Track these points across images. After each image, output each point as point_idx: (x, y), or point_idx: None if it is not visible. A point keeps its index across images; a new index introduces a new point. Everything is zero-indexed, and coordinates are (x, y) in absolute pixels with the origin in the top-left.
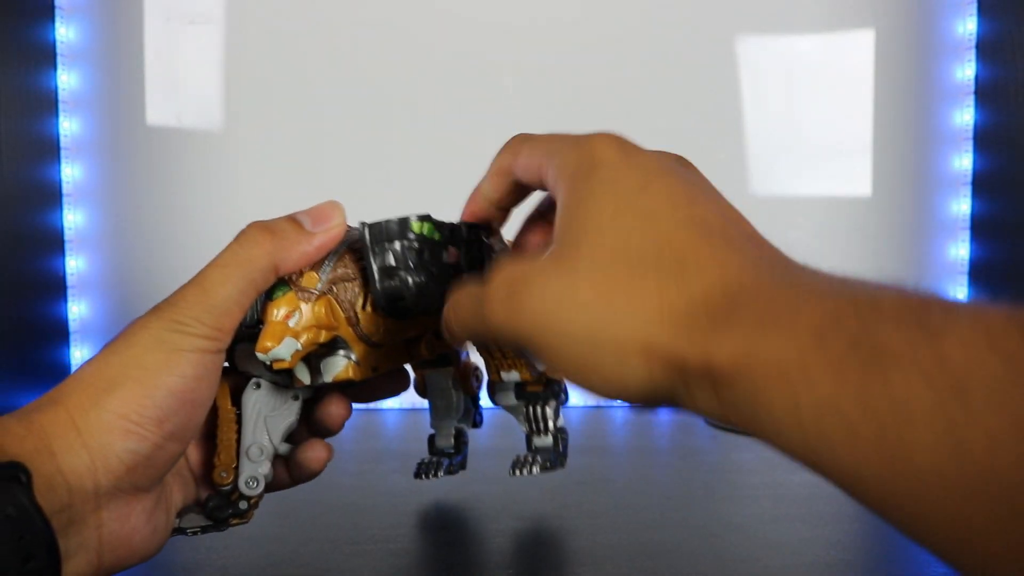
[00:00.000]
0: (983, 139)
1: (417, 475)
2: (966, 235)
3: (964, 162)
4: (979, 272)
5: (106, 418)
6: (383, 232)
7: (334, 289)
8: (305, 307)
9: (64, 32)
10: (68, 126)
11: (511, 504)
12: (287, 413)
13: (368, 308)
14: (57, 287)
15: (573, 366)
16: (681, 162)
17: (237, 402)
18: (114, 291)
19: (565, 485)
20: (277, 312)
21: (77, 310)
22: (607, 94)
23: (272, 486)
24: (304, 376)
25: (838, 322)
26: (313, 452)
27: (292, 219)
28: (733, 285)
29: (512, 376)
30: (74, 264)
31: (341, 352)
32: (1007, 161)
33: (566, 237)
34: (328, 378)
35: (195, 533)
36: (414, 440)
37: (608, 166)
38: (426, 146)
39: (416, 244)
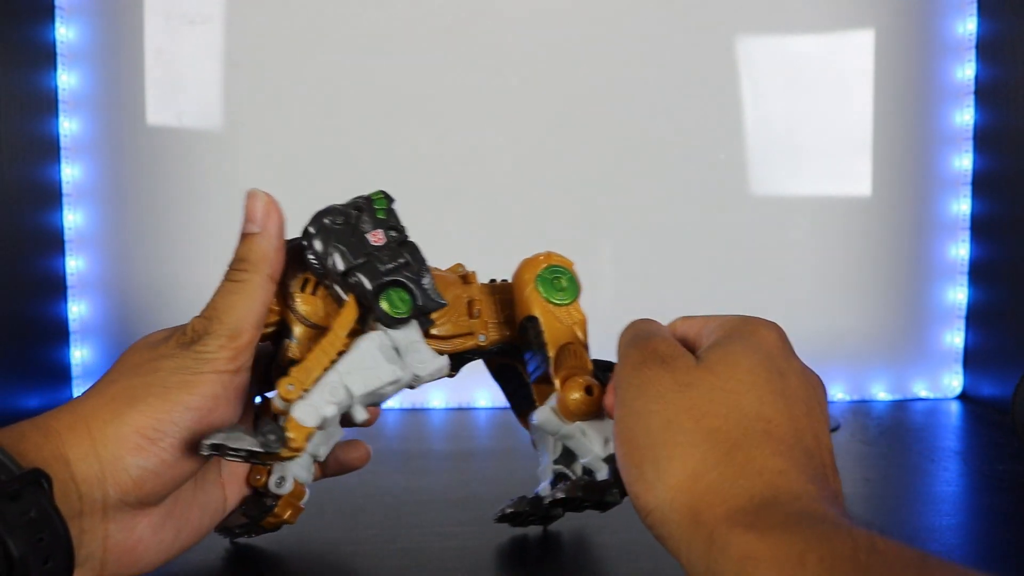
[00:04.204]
0: (983, 139)
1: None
2: (966, 235)
3: (964, 162)
4: (979, 272)
5: (123, 431)
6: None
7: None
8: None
9: (64, 32)
10: (68, 126)
11: None
12: (379, 374)
13: (307, 291)
14: (57, 287)
15: (632, 454)
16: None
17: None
18: (114, 291)
19: None
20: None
21: (77, 310)
22: (607, 94)
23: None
24: None
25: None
26: (356, 452)
27: (248, 239)
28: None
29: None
30: (74, 264)
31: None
32: (1007, 161)
33: (714, 354)
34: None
35: (241, 534)
36: (414, 440)
37: (763, 341)
38: (428, 145)
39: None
